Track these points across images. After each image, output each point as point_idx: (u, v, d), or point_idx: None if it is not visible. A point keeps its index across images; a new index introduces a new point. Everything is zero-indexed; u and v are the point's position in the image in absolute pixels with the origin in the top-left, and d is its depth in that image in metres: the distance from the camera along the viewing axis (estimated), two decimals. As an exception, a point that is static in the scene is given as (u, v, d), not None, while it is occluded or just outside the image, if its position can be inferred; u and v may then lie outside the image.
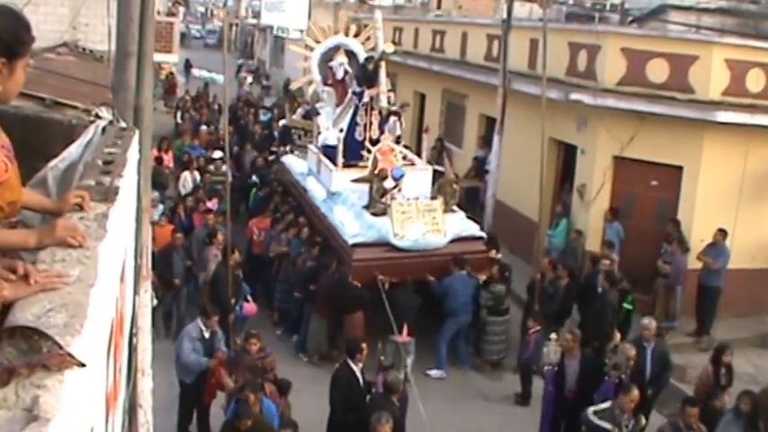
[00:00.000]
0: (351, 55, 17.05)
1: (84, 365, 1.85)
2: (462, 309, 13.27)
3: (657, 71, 15.23)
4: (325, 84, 17.25)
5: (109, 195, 3.35)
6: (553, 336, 12.39)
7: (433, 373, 13.35)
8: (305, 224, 15.11)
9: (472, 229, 14.02)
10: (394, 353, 12.37)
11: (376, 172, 13.73)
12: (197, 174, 18.99)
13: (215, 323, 11.02)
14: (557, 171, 18.03)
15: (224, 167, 16.15)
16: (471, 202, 18.59)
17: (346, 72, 16.76)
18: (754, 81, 14.97)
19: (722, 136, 15.01)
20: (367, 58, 15.72)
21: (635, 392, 9.32)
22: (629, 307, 13.47)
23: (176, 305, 14.04)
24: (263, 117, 28.16)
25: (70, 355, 1.81)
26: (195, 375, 10.84)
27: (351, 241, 13.21)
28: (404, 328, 12.52)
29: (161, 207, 16.19)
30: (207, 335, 10.92)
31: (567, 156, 17.77)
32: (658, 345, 11.48)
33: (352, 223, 13.53)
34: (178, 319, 13.88)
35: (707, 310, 14.87)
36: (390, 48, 15.13)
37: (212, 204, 16.40)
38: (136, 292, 5.32)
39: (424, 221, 13.26)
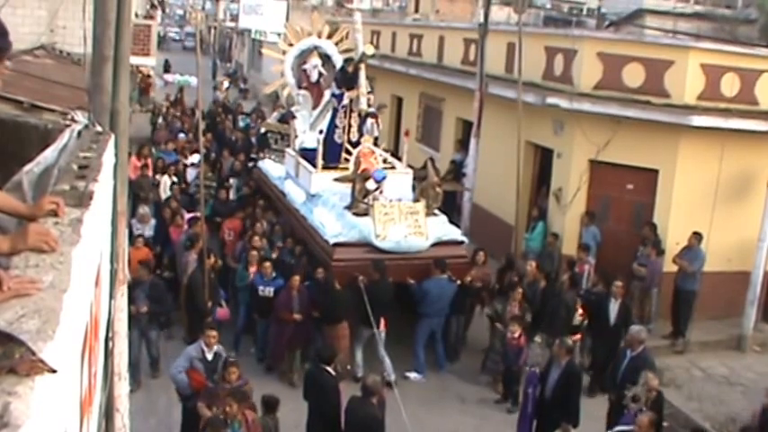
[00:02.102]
0: (325, 57, 17.01)
1: (54, 372, 1.85)
2: (435, 312, 13.22)
3: (633, 75, 15.33)
4: (300, 87, 17.16)
5: (83, 200, 3.35)
6: (537, 339, 12.45)
7: (413, 376, 13.37)
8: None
9: (454, 233, 13.94)
10: (365, 347, 12.45)
11: (359, 172, 13.65)
12: (175, 178, 18.83)
13: (216, 340, 10.46)
14: (533, 175, 18.11)
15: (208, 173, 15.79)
16: (448, 206, 18.62)
17: (320, 74, 16.71)
18: (729, 85, 15.11)
19: (697, 140, 15.14)
20: (347, 60, 15.56)
21: (642, 419, 9.22)
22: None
23: (147, 348, 12.58)
24: (242, 123, 27.90)
25: (42, 361, 1.82)
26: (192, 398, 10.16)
27: (332, 241, 13.04)
28: (380, 320, 12.60)
29: (153, 222, 15.73)
30: (210, 356, 10.33)
31: (543, 159, 17.85)
32: (640, 354, 11.24)
33: (333, 223, 13.38)
34: (152, 361, 12.63)
35: (682, 313, 14.99)
36: (370, 49, 15.02)
37: (189, 216, 15.95)
38: (112, 297, 5.31)
39: (406, 224, 13.17)
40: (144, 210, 15.96)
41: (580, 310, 13.19)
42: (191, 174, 19.55)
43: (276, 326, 12.96)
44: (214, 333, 10.51)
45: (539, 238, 16.70)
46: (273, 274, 13.16)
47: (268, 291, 13.04)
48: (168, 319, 13.18)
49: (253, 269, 13.58)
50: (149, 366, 12.57)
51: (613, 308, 13.16)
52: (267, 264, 13.26)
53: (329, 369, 10.23)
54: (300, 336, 12.83)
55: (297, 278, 12.63)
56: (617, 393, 10.99)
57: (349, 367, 11.57)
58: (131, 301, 11.44)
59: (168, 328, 13.23)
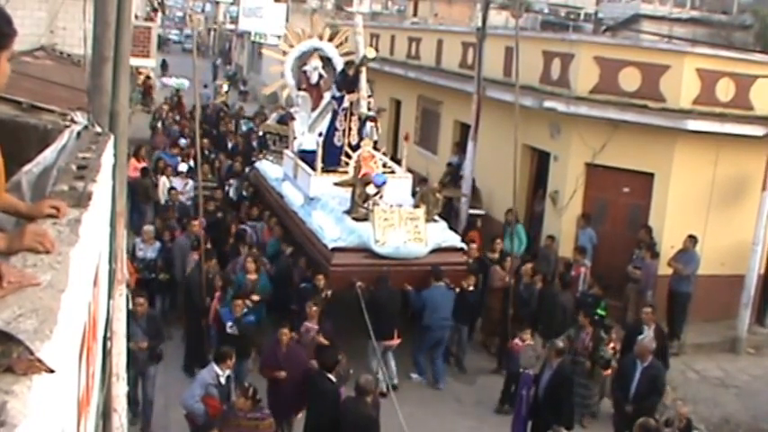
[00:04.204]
0: (325, 59, 17.01)
1: (52, 371, 1.87)
2: (438, 324, 13.04)
3: (630, 80, 15.41)
4: (299, 88, 17.15)
5: (82, 201, 3.38)
6: (532, 341, 12.48)
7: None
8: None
9: (453, 239, 13.80)
10: (374, 357, 12.41)
11: (359, 176, 13.54)
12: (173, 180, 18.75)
13: (231, 364, 10.19)
14: (530, 177, 18.16)
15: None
16: (444, 208, 18.61)
17: (320, 76, 16.71)
18: (724, 90, 15.19)
19: (693, 144, 15.22)
20: (347, 63, 15.43)
21: None
22: (603, 313, 13.58)
23: (143, 387, 11.31)
24: (244, 127, 27.64)
25: (39, 360, 1.84)
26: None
27: (331, 245, 12.84)
28: (392, 331, 12.57)
29: (158, 244, 14.66)
30: (223, 380, 10.04)
31: (540, 162, 17.90)
32: (653, 364, 11.19)
33: (332, 228, 13.18)
34: (145, 402, 11.37)
35: (677, 316, 15.06)
36: (371, 53, 14.91)
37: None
38: (110, 296, 5.33)
39: (405, 229, 13.00)
40: (148, 228, 14.96)
41: (611, 344, 12.59)
42: (177, 183, 18.73)
43: (269, 383, 11.04)
44: (232, 355, 10.22)
45: (522, 243, 16.30)
46: (245, 311, 12.01)
47: (236, 328, 11.86)
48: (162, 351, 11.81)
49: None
50: (141, 410, 11.31)
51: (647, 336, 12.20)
52: (239, 302, 11.98)
53: (330, 376, 10.23)
54: (297, 398, 10.76)
55: (286, 332, 10.96)
56: (634, 406, 10.87)
57: (351, 371, 11.42)
58: (129, 337, 10.39)
59: (163, 360, 11.75)
